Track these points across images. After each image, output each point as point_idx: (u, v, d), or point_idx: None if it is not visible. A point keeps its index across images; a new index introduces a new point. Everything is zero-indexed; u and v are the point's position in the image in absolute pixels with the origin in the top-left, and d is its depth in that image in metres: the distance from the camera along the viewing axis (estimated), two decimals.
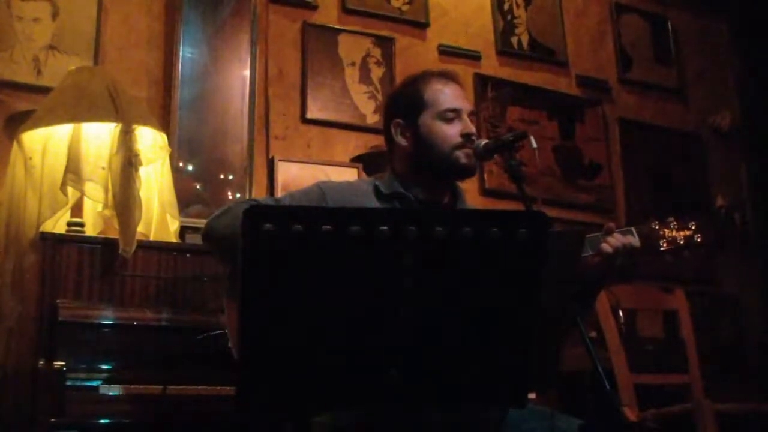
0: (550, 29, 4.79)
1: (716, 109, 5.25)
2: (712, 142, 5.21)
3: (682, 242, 2.12)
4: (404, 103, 2.22)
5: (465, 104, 2.19)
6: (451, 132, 2.14)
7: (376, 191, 2.17)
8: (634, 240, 2.08)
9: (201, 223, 3.27)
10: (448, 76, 2.24)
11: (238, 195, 3.56)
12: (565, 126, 4.67)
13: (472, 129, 2.15)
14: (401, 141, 2.20)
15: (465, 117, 2.17)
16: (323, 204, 2.08)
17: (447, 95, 2.18)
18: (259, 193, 3.62)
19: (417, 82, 2.23)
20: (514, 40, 4.65)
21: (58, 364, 2.49)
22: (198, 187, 3.55)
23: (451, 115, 2.15)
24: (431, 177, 2.18)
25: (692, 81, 5.27)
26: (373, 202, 2.14)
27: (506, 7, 4.67)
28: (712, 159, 5.17)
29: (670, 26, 5.24)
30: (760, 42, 5.33)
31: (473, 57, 4.49)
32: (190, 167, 3.54)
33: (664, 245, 2.13)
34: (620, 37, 5.04)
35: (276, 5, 4.01)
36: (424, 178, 2.18)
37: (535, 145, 2.09)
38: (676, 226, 2.14)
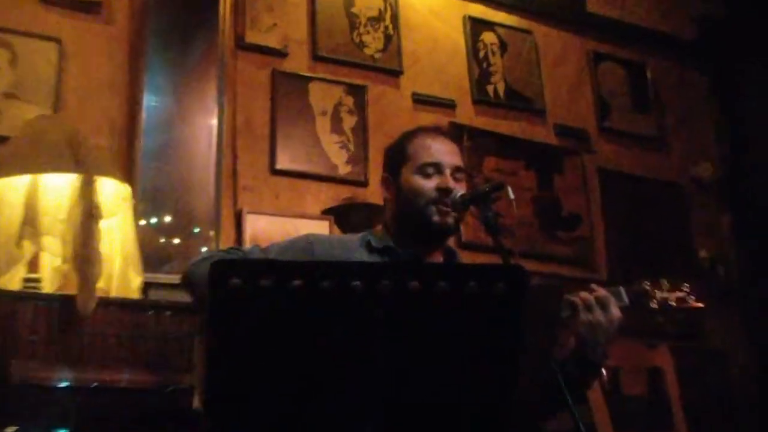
0: (527, 77, 4.87)
1: (697, 159, 5.33)
2: (693, 193, 5.28)
3: (674, 303, 2.14)
4: (391, 156, 2.27)
5: (448, 159, 2.19)
6: (427, 186, 2.14)
7: (368, 245, 2.18)
8: (611, 297, 2.08)
9: (167, 279, 3.27)
10: (437, 131, 2.28)
11: (205, 249, 3.55)
12: (543, 176, 4.72)
13: (449, 184, 2.14)
14: (386, 195, 2.25)
15: (446, 172, 2.16)
16: (309, 256, 2.08)
17: (428, 149, 2.19)
18: (227, 245, 3.61)
19: (406, 136, 2.27)
20: (490, 88, 4.72)
21: (11, 429, 2.44)
22: (162, 240, 3.53)
23: (429, 170, 2.16)
24: (412, 234, 2.18)
25: (672, 130, 5.36)
26: (362, 256, 2.14)
27: (482, 54, 4.75)
28: (694, 210, 5.23)
29: (648, 75, 5.34)
30: (738, 91, 5.44)
31: (448, 105, 4.54)
32: (154, 220, 3.53)
33: (655, 305, 2.14)
34: (599, 86, 5.13)
35: (244, 52, 4.04)
36: (408, 235, 2.19)
37: (512, 196, 2.10)
38: (668, 287, 2.15)
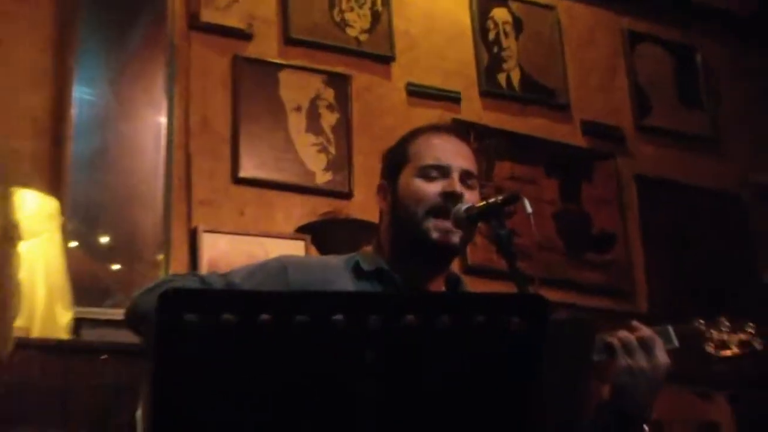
0: (548, 64, 4.89)
1: (759, 163, 5.34)
2: (756, 205, 5.28)
3: (736, 348, 2.14)
4: (389, 159, 2.28)
5: (457, 161, 2.19)
6: (429, 191, 2.14)
7: (355, 268, 2.18)
8: (657, 338, 2.08)
9: (104, 314, 3.26)
10: (445, 129, 2.30)
11: (151, 276, 3.55)
12: (568, 185, 4.73)
13: (456, 187, 2.14)
14: (381, 206, 2.25)
15: (453, 176, 2.16)
16: (283, 283, 2.08)
17: (433, 149, 2.20)
18: (178, 270, 3.59)
19: (410, 135, 2.27)
20: (501, 77, 4.74)
21: None
22: (98, 267, 3.53)
23: (433, 173, 2.16)
24: (408, 253, 2.19)
25: (728, 127, 5.37)
26: (347, 283, 2.13)
27: (492, 36, 4.77)
28: (757, 225, 5.24)
29: (699, 59, 5.36)
30: None
31: (451, 99, 4.55)
32: (88, 241, 3.53)
33: (711, 349, 2.14)
34: (636, 73, 5.16)
35: (199, 33, 4.04)
36: (404, 253, 2.19)
37: (530, 209, 2.10)
38: (728, 328, 2.16)
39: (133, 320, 2.11)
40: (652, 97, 5.17)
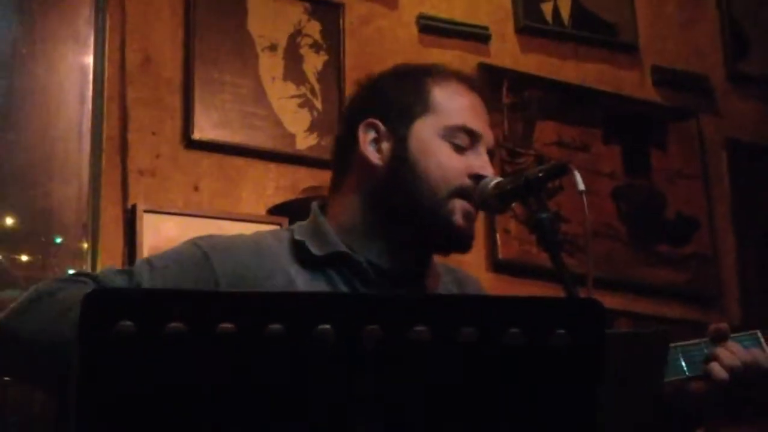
0: None
1: None
2: None
3: None
4: (395, 95, 2.25)
5: (488, 134, 2.23)
6: (458, 167, 2.16)
7: (299, 252, 2.16)
8: (762, 354, 2.12)
9: None
10: (474, 84, 2.31)
11: (70, 271, 3.55)
12: (634, 154, 4.74)
13: (490, 170, 2.17)
14: (370, 155, 2.21)
15: (482, 150, 2.19)
16: (207, 278, 2.07)
17: (469, 108, 2.23)
18: (110, 263, 3.57)
19: (433, 72, 2.27)
20: (546, 8, 4.74)
21: None
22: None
23: (464, 141, 2.18)
24: (403, 231, 2.19)
25: None
26: (291, 274, 2.11)
27: None
28: None
29: None
30: None
31: (477, 37, 4.57)
32: None
33: None
34: (729, 3, 5.14)
35: None
36: (391, 231, 2.19)
37: (581, 186, 2.11)
38: None
39: (6, 355, 2.00)
40: (749, 34, 5.16)
